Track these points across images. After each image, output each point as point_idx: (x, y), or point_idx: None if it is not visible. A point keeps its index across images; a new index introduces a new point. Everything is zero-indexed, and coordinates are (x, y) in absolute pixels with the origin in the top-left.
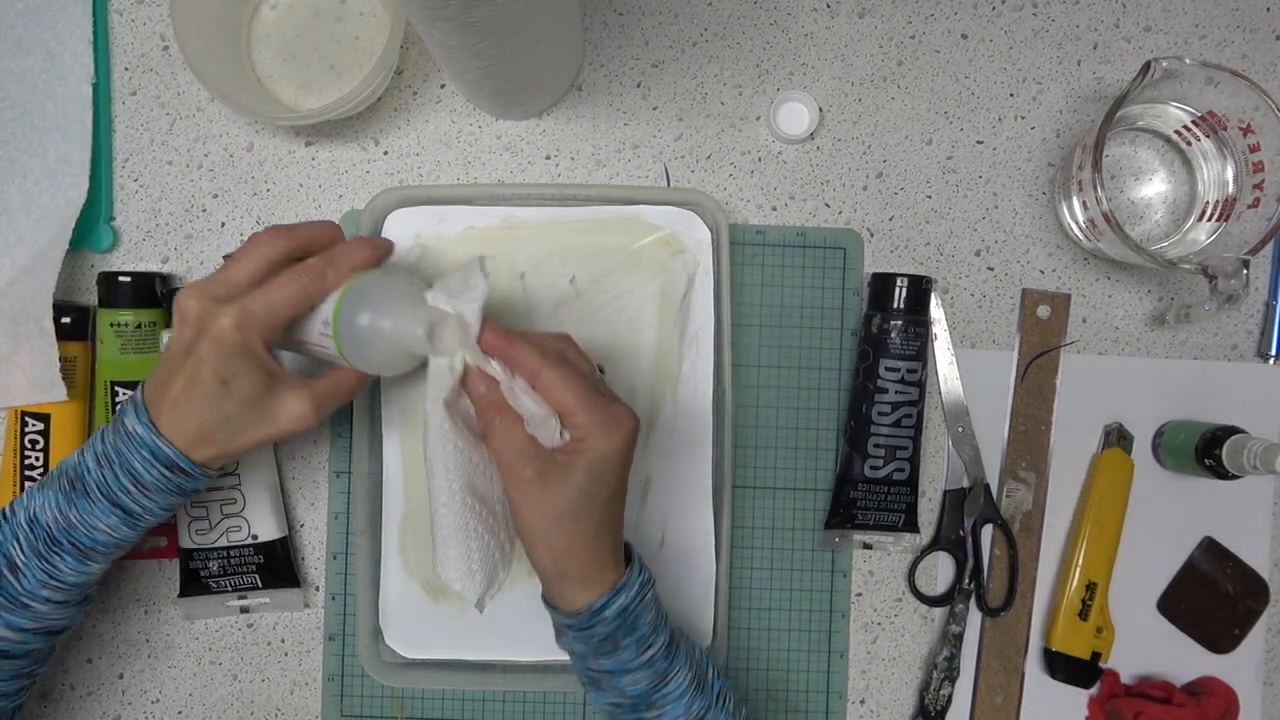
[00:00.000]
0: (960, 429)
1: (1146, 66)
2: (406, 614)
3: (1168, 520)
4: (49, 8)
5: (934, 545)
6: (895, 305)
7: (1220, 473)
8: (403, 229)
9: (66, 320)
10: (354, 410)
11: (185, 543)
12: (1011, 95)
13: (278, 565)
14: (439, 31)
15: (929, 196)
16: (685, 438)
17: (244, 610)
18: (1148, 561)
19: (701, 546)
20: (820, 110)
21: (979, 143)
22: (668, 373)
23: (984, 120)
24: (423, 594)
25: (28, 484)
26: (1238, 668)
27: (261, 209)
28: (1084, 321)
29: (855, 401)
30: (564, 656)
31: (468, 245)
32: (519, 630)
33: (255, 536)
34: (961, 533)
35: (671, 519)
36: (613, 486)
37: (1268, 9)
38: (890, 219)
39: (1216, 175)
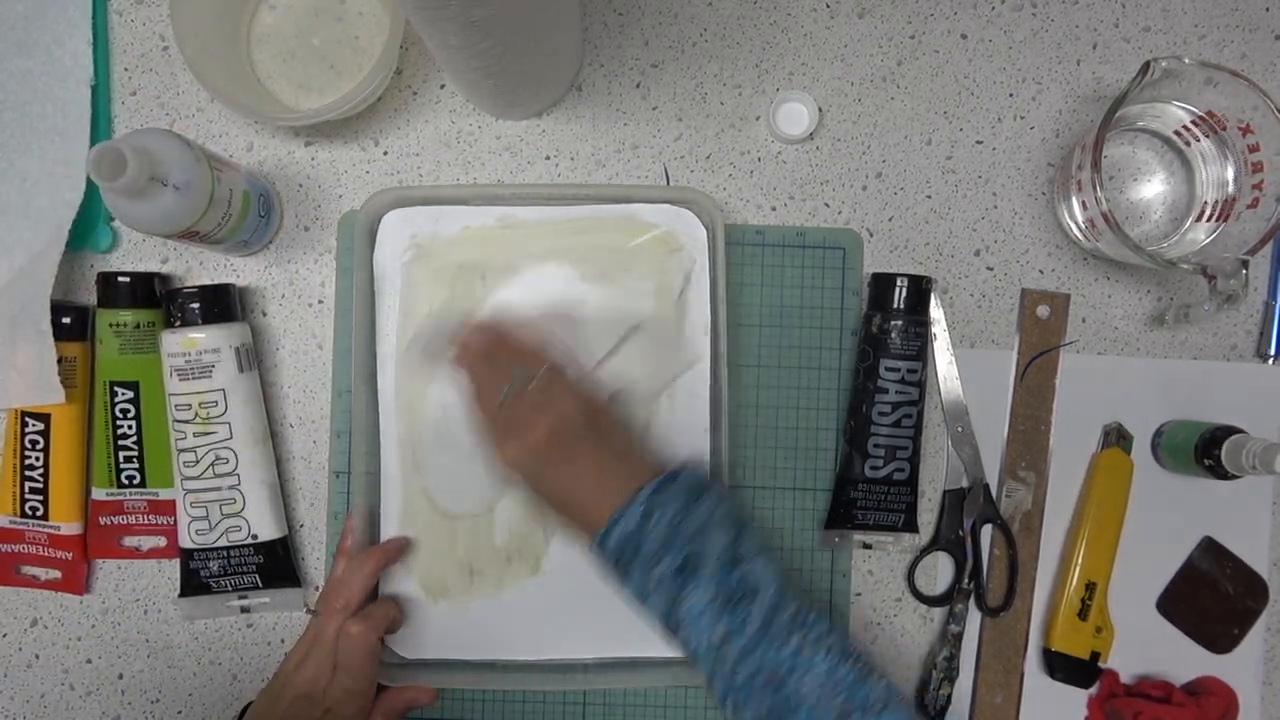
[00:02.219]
0: (960, 429)
1: (1146, 66)
2: (406, 614)
3: (1167, 520)
4: (49, 9)
5: (933, 545)
6: (895, 305)
7: (1220, 473)
8: (398, 230)
9: (66, 320)
10: (353, 411)
11: (185, 543)
12: (1011, 95)
13: (278, 565)
14: (439, 31)
15: (929, 196)
16: (682, 436)
17: (244, 610)
18: (1147, 561)
19: None
20: (820, 110)
21: (978, 143)
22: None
23: (983, 120)
24: (421, 594)
25: (27, 484)
26: (1237, 667)
27: None
28: (1083, 321)
29: (855, 401)
30: (562, 655)
31: (464, 245)
32: (517, 630)
33: (255, 536)
34: (961, 533)
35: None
36: (537, 484)
37: (1267, 9)
38: (890, 219)
39: (1216, 175)
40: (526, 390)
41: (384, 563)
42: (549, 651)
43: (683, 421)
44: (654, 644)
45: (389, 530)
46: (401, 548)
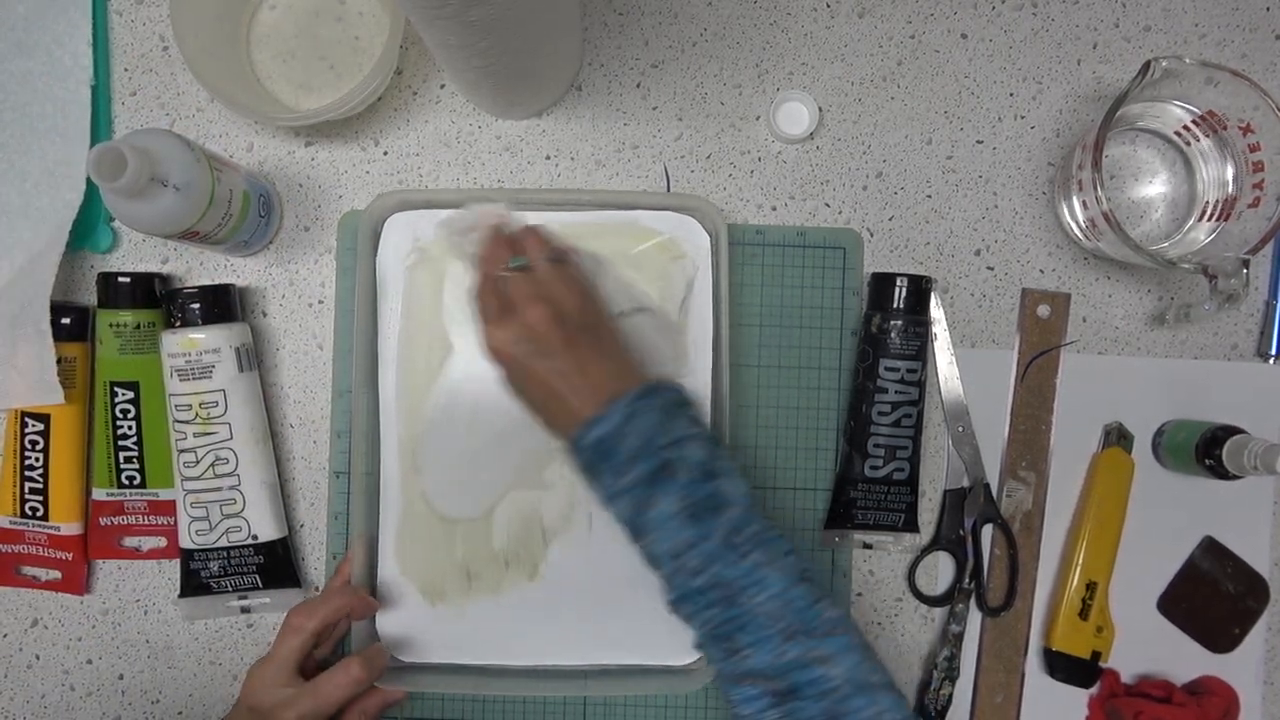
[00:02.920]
0: (960, 429)
1: (1146, 66)
2: (403, 617)
3: (1168, 520)
4: (50, 10)
5: (934, 545)
6: (895, 305)
7: (1220, 473)
8: (401, 233)
9: (66, 321)
10: (353, 413)
11: (185, 543)
12: (1011, 95)
13: (278, 565)
14: (438, 31)
15: (929, 196)
16: None
17: (245, 610)
18: (1148, 561)
19: None
20: (820, 110)
21: (979, 142)
22: (665, 377)
23: (984, 120)
24: (419, 597)
25: (27, 484)
26: (1238, 667)
27: None
28: (1084, 321)
29: (855, 401)
30: (560, 661)
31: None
32: (514, 634)
33: (255, 537)
34: (961, 532)
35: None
36: (523, 371)
37: (1267, 9)
38: (890, 219)
39: (1216, 175)
40: (531, 273)
41: (357, 610)
42: (546, 657)
43: None
44: (652, 651)
45: (388, 533)
46: (372, 607)
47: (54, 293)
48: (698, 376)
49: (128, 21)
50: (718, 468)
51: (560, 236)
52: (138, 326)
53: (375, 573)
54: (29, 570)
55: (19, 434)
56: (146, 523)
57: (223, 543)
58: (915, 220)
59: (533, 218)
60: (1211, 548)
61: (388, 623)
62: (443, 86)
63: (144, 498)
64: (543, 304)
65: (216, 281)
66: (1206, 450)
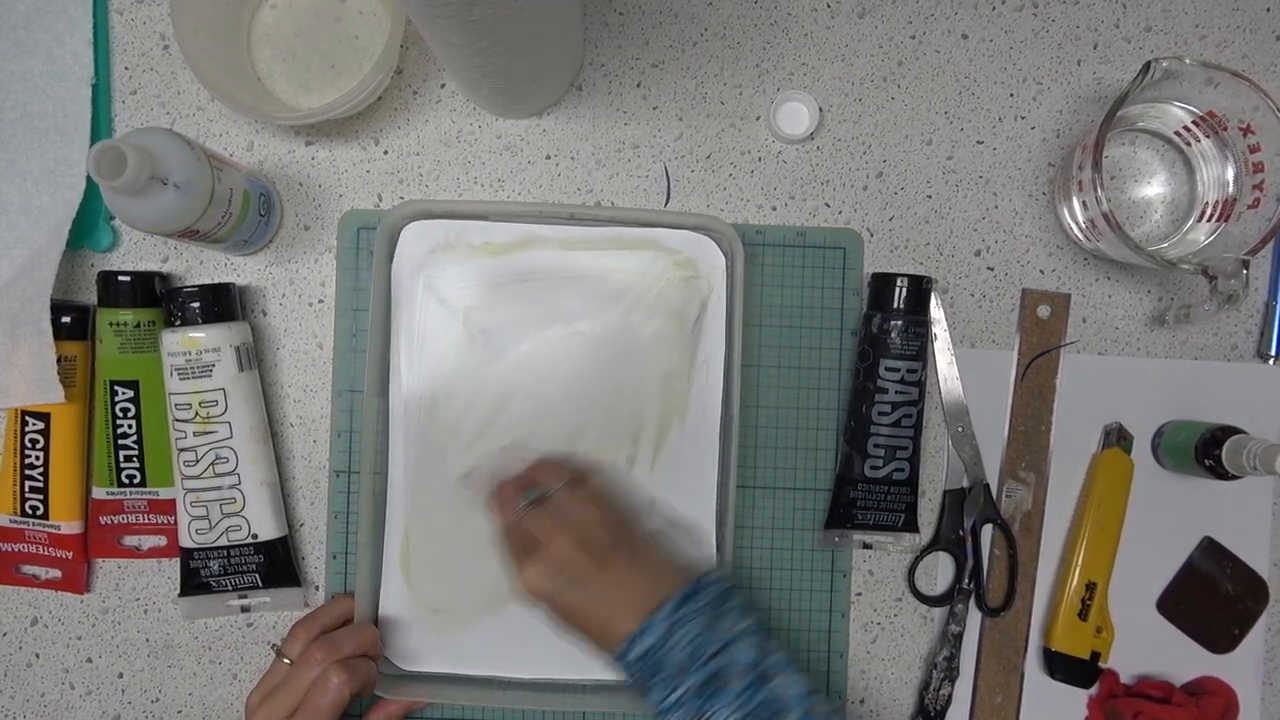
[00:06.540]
0: (960, 429)
1: (1147, 66)
2: (405, 626)
3: (1168, 520)
4: (50, 8)
5: (934, 545)
6: (895, 305)
7: (1220, 473)
8: (418, 242)
9: (66, 319)
10: (364, 421)
11: (185, 542)
12: (1011, 95)
13: (278, 565)
14: (439, 29)
15: (929, 196)
16: (691, 463)
17: (244, 610)
18: (1147, 561)
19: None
20: (820, 110)
21: (979, 143)
22: (676, 396)
23: (984, 120)
24: (423, 607)
25: (28, 483)
26: (1237, 667)
27: None
28: (1084, 321)
29: (855, 401)
30: (561, 675)
31: (483, 260)
32: (516, 647)
33: (255, 536)
34: (961, 533)
35: (673, 545)
36: (563, 605)
37: (1268, 9)
38: (890, 219)
39: (1216, 175)
40: (547, 502)
41: (375, 647)
42: (547, 671)
43: (690, 447)
44: None
45: (394, 542)
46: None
47: (54, 291)
48: (707, 399)
49: (128, 20)
50: (770, 667)
51: (576, 459)
52: (138, 325)
53: (379, 580)
54: (29, 569)
55: (19, 433)
56: (146, 521)
57: (223, 542)
58: (915, 220)
59: (552, 231)
60: (1211, 548)
61: (390, 631)
62: (443, 86)
63: (144, 496)
64: (565, 533)
65: (216, 280)
66: (1206, 450)
